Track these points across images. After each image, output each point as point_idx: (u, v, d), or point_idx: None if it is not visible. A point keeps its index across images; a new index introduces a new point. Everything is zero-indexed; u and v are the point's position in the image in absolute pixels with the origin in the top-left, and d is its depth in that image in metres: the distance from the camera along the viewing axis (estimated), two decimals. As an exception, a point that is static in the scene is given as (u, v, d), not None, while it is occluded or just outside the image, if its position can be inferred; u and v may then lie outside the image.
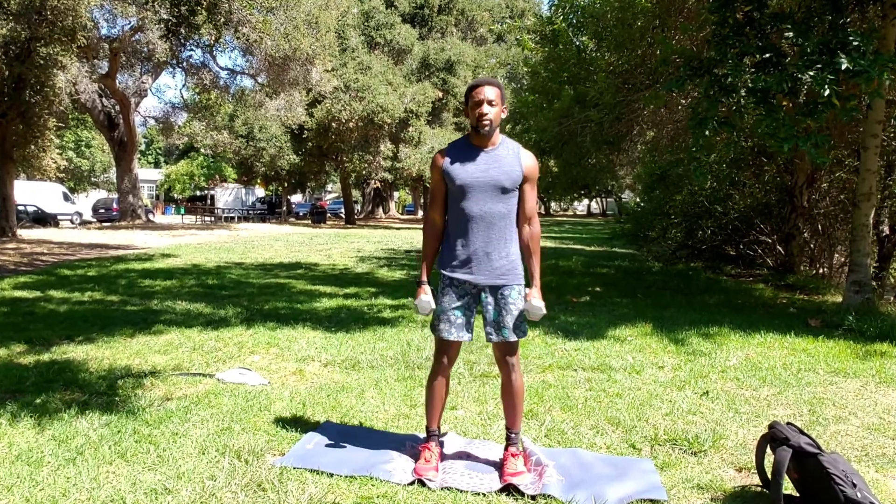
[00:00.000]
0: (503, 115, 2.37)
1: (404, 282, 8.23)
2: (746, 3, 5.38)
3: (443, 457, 2.56)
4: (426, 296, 2.42)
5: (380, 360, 4.05)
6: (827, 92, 4.61)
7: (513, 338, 2.38)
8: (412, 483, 2.32)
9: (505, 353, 2.41)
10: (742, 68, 5.08)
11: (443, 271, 2.43)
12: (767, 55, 5.10)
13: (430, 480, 2.32)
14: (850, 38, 4.70)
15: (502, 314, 2.38)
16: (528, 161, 2.38)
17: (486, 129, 2.31)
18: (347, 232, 21.96)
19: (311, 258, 11.45)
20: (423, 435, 2.74)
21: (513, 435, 2.46)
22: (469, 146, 2.39)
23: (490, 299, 2.39)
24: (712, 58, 5.40)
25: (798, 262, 9.29)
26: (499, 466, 2.44)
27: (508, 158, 2.36)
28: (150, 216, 24.57)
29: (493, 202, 2.34)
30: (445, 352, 2.43)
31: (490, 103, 2.29)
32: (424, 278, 2.46)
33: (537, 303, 2.36)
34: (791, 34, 4.98)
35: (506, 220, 2.37)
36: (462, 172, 2.34)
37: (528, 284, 2.43)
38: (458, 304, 2.40)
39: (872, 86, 4.70)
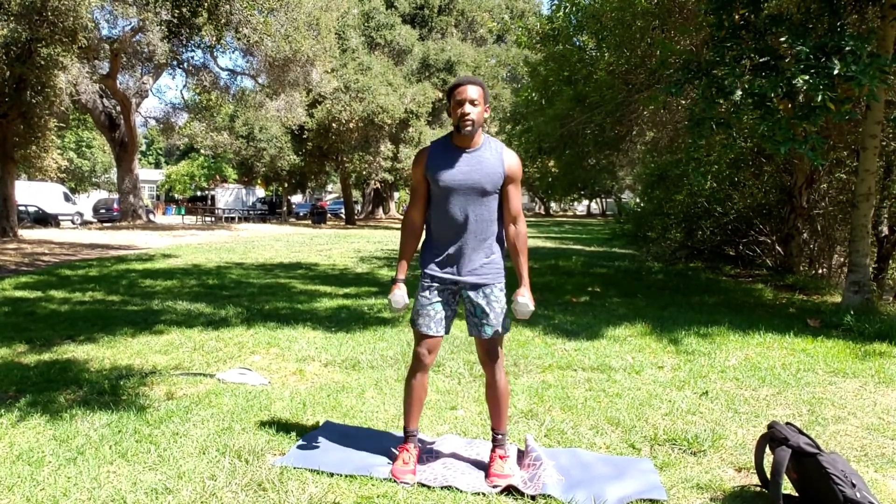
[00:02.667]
0: (486, 115, 2.34)
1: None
2: (743, 5, 5.39)
3: (443, 455, 2.57)
4: (400, 291, 2.41)
5: (380, 360, 4.06)
6: (820, 97, 4.62)
7: (494, 335, 2.38)
8: (391, 481, 2.32)
9: (488, 350, 2.39)
10: (739, 71, 5.09)
11: (424, 269, 2.43)
12: (764, 59, 5.10)
13: (406, 484, 2.30)
14: (846, 40, 4.70)
15: (485, 311, 2.37)
16: (510, 162, 2.35)
17: (469, 128, 2.27)
18: (347, 232, 21.96)
19: (311, 258, 11.46)
20: (423, 435, 2.75)
21: (499, 436, 2.44)
22: (452, 147, 2.36)
23: (472, 297, 2.39)
24: (710, 59, 5.41)
25: (797, 262, 9.30)
26: (485, 467, 2.43)
27: (491, 160, 2.33)
28: (151, 216, 24.58)
29: (475, 204, 2.33)
30: (425, 347, 2.39)
31: (472, 103, 2.25)
32: (401, 276, 2.44)
33: (523, 300, 2.33)
34: (786, 38, 4.98)
35: (488, 220, 2.36)
36: (444, 175, 2.32)
37: (517, 284, 2.40)
38: (439, 299, 2.40)
39: (864, 91, 4.71)
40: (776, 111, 5.01)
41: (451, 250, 2.37)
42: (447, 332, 2.43)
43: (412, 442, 2.45)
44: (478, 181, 2.31)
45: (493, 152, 2.35)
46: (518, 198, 2.41)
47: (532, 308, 2.34)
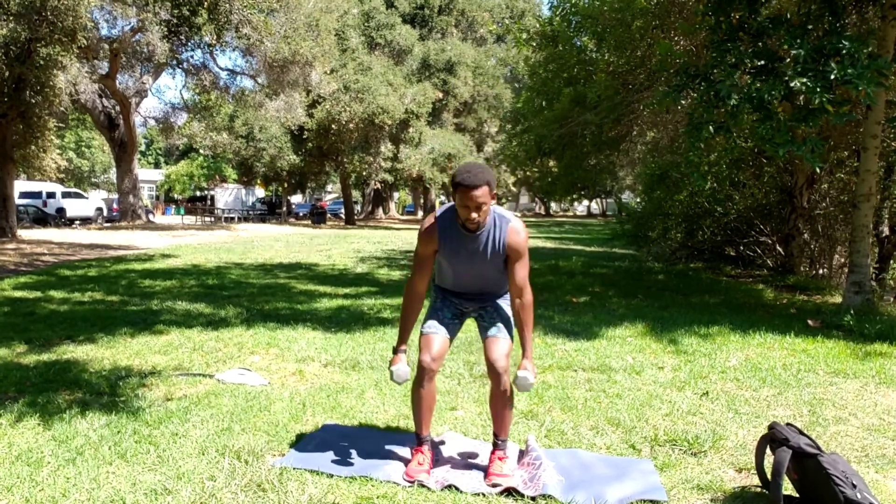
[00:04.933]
0: (492, 203, 2.29)
1: (404, 282, 8.23)
2: (741, 6, 5.38)
3: (443, 456, 2.56)
4: (403, 364, 2.38)
5: (380, 360, 4.05)
6: (818, 100, 4.62)
7: (501, 335, 2.41)
8: (411, 484, 2.32)
9: (494, 355, 2.38)
10: (737, 76, 5.09)
11: (438, 285, 2.57)
12: (762, 61, 5.10)
13: (421, 483, 2.31)
14: (844, 42, 4.70)
15: (493, 318, 2.47)
16: (512, 240, 2.32)
17: (474, 229, 2.31)
18: (347, 232, 21.96)
19: (311, 258, 11.45)
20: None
21: (500, 441, 2.44)
22: (458, 226, 2.34)
23: (480, 312, 2.53)
24: (708, 63, 5.41)
25: (798, 262, 9.30)
26: (485, 468, 2.43)
27: (494, 242, 2.33)
28: (150, 216, 24.57)
29: (483, 275, 2.42)
30: (430, 350, 2.38)
31: (479, 208, 2.22)
32: (403, 346, 2.42)
33: (523, 374, 2.34)
34: (784, 39, 4.98)
35: (498, 281, 2.46)
36: (450, 254, 2.39)
37: (522, 356, 2.41)
38: (450, 309, 2.52)
39: (861, 94, 4.70)
40: (775, 114, 5.01)
41: (461, 292, 2.52)
42: (452, 337, 2.48)
43: (426, 445, 2.45)
44: (480, 263, 2.38)
45: (497, 231, 2.34)
46: (524, 270, 2.38)
47: (533, 381, 2.37)
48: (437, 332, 2.41)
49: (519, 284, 2.37)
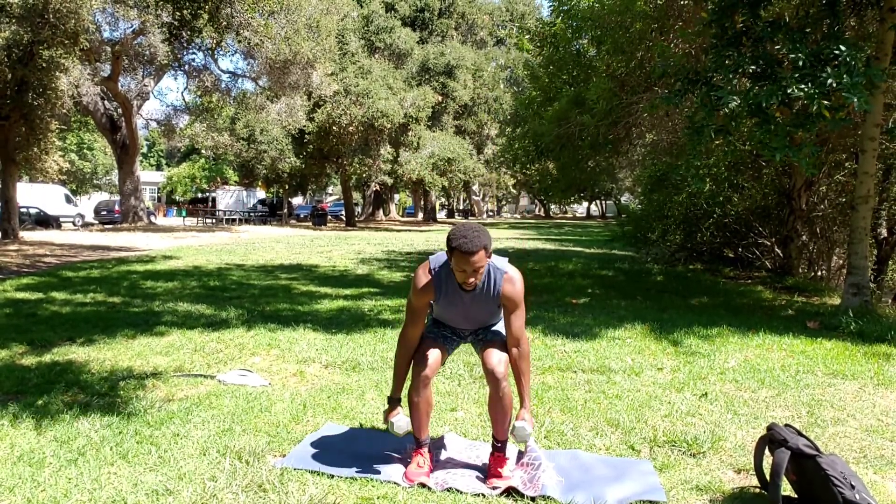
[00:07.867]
0: (486, 261, 2.28)
1: (405, 283, 8.24)
2: (743, 13, 5.41)
3: (443, 458, 2.57)
4: (401, 415, 2.42)
5: (380, 361, 4.07)
6: (816, 107, 4.65)
7: (498, 342, 2.45)
8: (412, 486, 2.34)
9: (493, 361, 2.38)
10: (736, 81, 5.12)
11: (434, 318, 2.58)
12: (762, 66, 5.13)
13: (422, 484, 2.32)
14: (841, 47, 4.72)
15: (489, 334, 2.52)
16: (507, 291, 2.33)
17: (470, 291, 2.35)
18: (348, 234, 21.98)
19: (312, 260, 11.47)
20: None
21: (499, 444, 2.45)
22: (452, 280, 2.34)
23: (477, 334, 2.57)
24: (708, 67, 5.44)
25: (796, 264, 9.31)
26: (485, 469, 2.44)
27: (490, 292, 2.35)
28: (152, 218, 24.60)
29: (477, 319, 2.49)
30: (429, 355, 2.41)
31: (476, 272, 2.24)
32: (398, 395, 2.45)
33: (521, 424, 2.35)
34: (782, 46, 5.00)
35: (495, 314, 2.48)
36: (444, 309, 2.44)
37: (519, 406, 2.43)
38: (448, 330, 2.56)
39: (852, 107, 4.73)
40: (773, 118, 5.04)
41: (457, 330, 2.56)
42: (449, 351, 2.53)
43: (425, 447, 2.47)
44: (475, 316, 2.45)
45: (493, 282, 2.35)
46: (520, 320, 2.38)
47: (530, 431, 2.37)
48: (434, 342, 2.43)
49: (515, 335, 2.37)
